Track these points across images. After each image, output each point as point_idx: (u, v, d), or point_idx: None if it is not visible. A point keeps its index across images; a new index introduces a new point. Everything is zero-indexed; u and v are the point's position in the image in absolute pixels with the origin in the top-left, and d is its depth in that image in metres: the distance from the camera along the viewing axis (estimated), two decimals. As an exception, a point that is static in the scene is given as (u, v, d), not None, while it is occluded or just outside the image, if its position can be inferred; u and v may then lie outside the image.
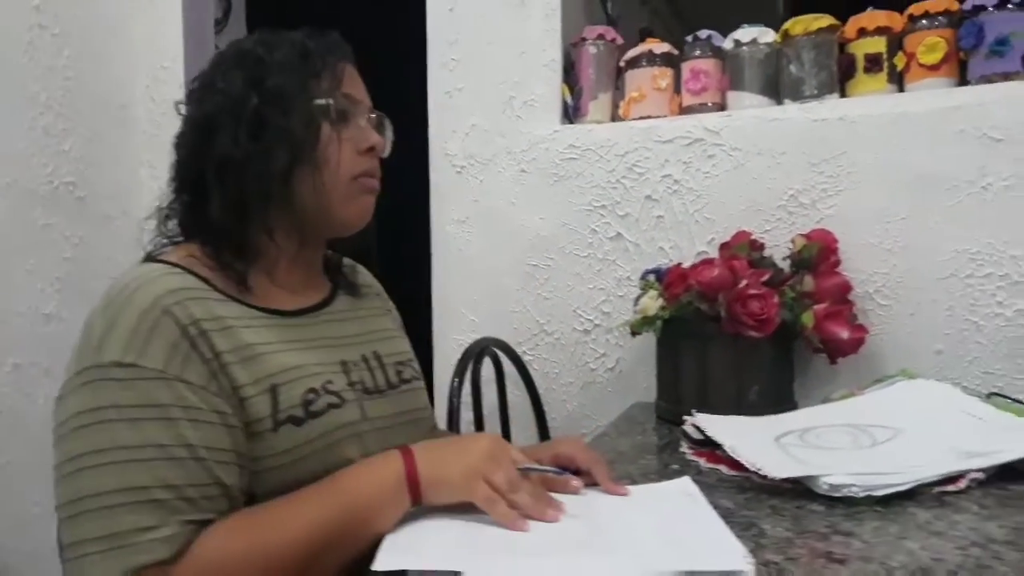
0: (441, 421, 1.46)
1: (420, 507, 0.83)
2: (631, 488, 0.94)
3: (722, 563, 0.68)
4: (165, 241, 0.90)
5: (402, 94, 2.11)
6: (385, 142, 0.95)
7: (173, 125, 1.91)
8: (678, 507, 0.85)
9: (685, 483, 0.92)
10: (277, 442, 0.79)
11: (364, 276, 1.09)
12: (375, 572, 0.69)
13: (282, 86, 0.85)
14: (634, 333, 1.39)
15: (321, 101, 0.87)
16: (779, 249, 1.45)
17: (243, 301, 0.84)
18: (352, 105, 0.90)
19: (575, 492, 0.86)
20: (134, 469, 0.71)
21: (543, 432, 1.62)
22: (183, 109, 0.90)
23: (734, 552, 0.70)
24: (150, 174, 1.99)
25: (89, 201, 1.82)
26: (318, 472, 0.80)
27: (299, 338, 0.88)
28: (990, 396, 1.22)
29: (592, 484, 0.90)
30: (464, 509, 0.83)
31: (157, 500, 0.71)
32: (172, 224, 0.91)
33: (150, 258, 0.87)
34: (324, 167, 0.86)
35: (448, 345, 1.74)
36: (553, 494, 0.85)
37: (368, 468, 0.80)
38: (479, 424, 1.45)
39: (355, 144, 0.90)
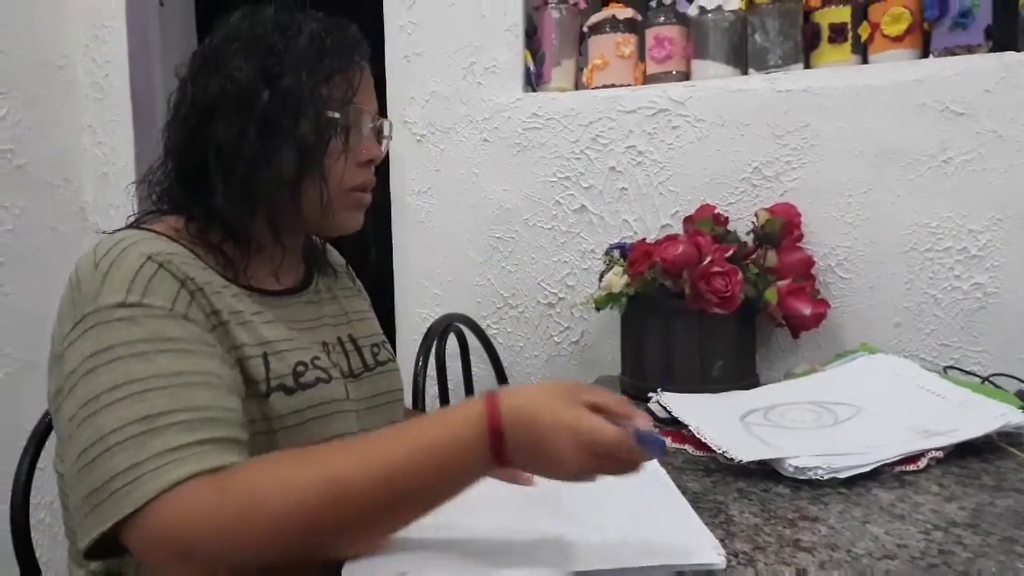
0: (406, 397, 1.44)
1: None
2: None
3: (695, 558, 0.68)
4: (151, 209, 0.87)
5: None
6: (384, 147, 0.93)
7: (116, 88, 1.88)
8: (648, 494, 0.85)
9: (653, 467, 0.92)
10: (267, 409, 0.78)
11: (335, 256, 1.08)
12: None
13: (296, 87, 0.81)
14: (598, 309, 1.38)
15: (333, 114, 0.84)
16: (742, 222, 1.45)
17: (226, 277, 0.83)
18: (361, 116, 0.88)
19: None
20: (152, 397, 0.67)
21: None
22: (182, 72, 0.86)
23: (706, 545, 0.70)
24: (92, 139, 1.90)
25: (29, 169, 1.74)
26: (303, 445, 0.77)
27: (282, 318, 0.87)
28: (947, 370, 1.25)
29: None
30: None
31: (183, 422, 0.66)
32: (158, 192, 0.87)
33: (133, 225, 0.84)
34: (328, 178, 0.85)
35: (411, 319, 1.72)
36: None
37: (452, 426, 0.69)
38: (444, 400, 1.44)
39: (356, 156, 0.88)
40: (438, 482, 0.67)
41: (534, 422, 0.66)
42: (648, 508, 0.81)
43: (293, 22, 0.84)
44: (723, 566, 0.68)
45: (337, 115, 0.84)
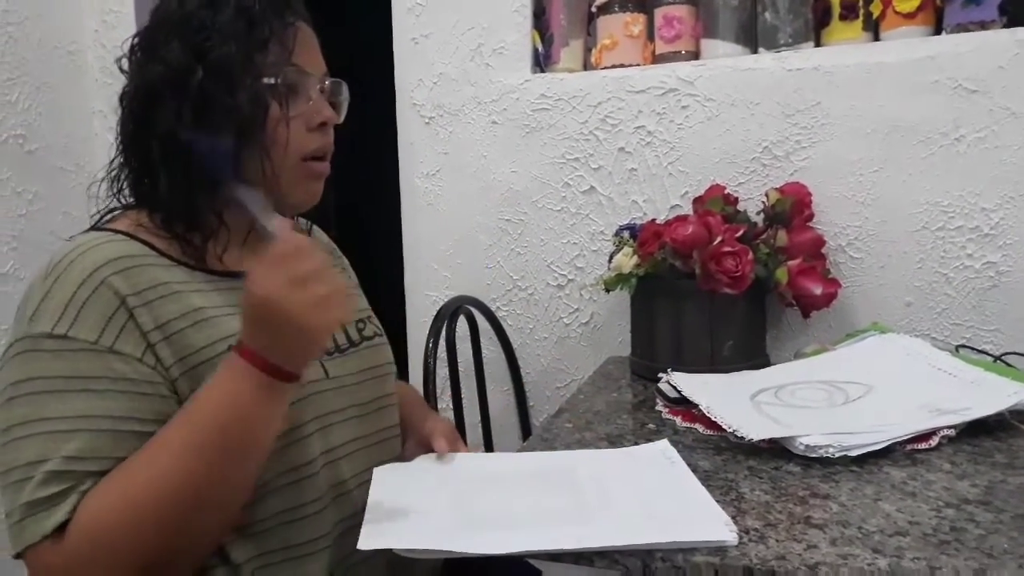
0: (416, 379, 1.45)
1: (398, 479, 0.83)
2: (612, 452, 0.95)
3: (707, 534, 0.69)
4: (115, 206, 0.87)
5: (369, 39, 2.05)
6: (340, 110, 0.91)
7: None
8: (659, 472, 0.85)
9: (664, 446, 0.93)
10: None
11: (318, 233, 1.07)
12: (360, 550, 0.68)
13: (227, 60, 0.79)
14: (608, 290, 1.38)
15: (269, 80, 0.82)
16: (752, 202, 1.44)
17: (191, 265, 0.83)
18: (302, 77, 0.85)
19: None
20: (57, 440, 0.71)
21: (518, 387, 1.63)
22: (125, 65, 0.85)
23: (717, 522, 0.71)
24: (103, 124, 1.91)
25: (40, 154, 1.74)
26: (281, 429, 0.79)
27: None
28: (959, 349, 1.24)
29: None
30: (446, 478, 0.83)
31: (71, 471, 0.70)
32: (124, 187, 0.87)
33: (95, 226, 0.85)
34: (272, 148, 0.82)
35: (421, 301, 1.72)
36: (532, 457, 0.85)
37: (216, 378, 0.74)
38: (455, 381, 1.44)
39: (306, 120, 0.85)
40: (252, 435, 0.73)
41: (277, 317, 0.70)
42: (660, 486, 0.82)
43: None
44: (735, 542, 0.68)
45: (274, 80, 0.82)
